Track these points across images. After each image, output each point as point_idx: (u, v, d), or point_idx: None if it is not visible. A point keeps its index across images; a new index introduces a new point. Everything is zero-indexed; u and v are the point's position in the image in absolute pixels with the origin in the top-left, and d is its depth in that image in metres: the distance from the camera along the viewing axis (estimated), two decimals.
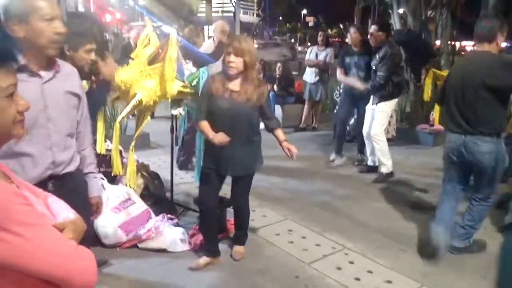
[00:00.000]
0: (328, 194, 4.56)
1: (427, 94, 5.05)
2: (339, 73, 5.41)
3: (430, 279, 2.92)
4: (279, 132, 2.96)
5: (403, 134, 7.03)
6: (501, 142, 3.00)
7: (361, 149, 5.60)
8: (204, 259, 3.03)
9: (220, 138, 2.71)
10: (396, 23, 8.68)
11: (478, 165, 3.03)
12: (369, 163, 5.37)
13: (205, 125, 2.82)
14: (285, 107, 8.03)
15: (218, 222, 3.24)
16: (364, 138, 5.25)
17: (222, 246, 3.23)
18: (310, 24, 41.47)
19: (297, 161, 5.55)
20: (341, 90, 6.97)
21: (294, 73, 9.30)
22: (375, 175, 5.07)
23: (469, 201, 3.25)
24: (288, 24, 49.12)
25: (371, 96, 5.06)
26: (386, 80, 4.78)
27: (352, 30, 5.33)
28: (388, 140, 6.74)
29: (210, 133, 2.77)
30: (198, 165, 3.45)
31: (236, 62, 2.70)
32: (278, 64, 8.46)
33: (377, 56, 4.82)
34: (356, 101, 5.37)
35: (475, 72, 2.96)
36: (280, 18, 45.53)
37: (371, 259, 3.20)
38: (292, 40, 39.48)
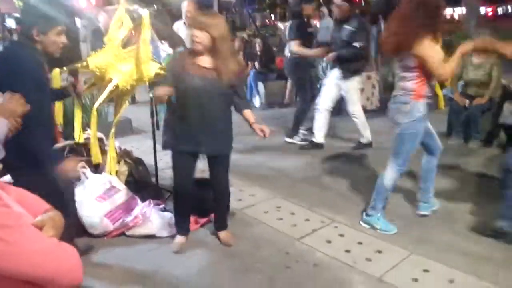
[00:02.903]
0: (314, 169, 4.57)
1: None
2: (295, 45, 5.24)
3: (420, 247, 2.95)
4: (249, 114, 2.86)
5: (387, 104, 7.01)
6: None
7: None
8: (180, 239, 3.02)
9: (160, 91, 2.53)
10: None
11: None
12: (316, 139, 5.25)
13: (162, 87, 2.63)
14: (267, 83, 7.97)
15: (200, 203, 3.20)
16: (318, 112, 5.15)
17: (211, 228, 3.22)
18: None
19: (282, 138, 5.60)
20: (324, 64, 6.90)
21: (274, 49, 9.18)
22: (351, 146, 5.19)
23: None
24: (267, 0, 48.44)
25: (334, 70, 5.02)
26: (360, 50, 4.74)
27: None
28: (372, 111, 6.80)
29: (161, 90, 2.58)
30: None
31: (200, 37, 2.57)
32: (258, 40, 8.35)
33: (349, 27, 4.75)
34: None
35: None
36: None
37: (360, 230, 3.22)
38: (272, 16, 38.99)
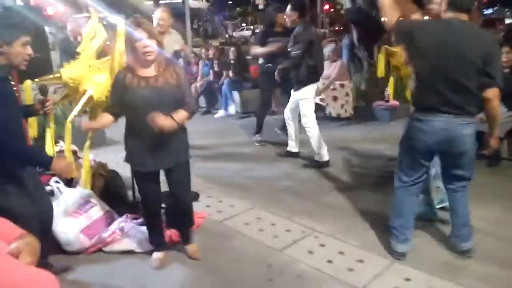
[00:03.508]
0: (291, 178, 4.56)
1: (381, 70, 5.09)
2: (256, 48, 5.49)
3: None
4: (181, 112, 2.61)
5: (360, 112, 7.14)
6: None
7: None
8: (158, 254, 2.94)
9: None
10: (346, 2, 8.73)
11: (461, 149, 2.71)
12: (289, 148, 5.26)
13: (104, 118, 2.66)
14: (243, 92, 7.96)
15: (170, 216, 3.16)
16: (285, 120, 5.22)
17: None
18: (260, 7, 41.24)
19: (257, 146, 5.60)
20: None
21: (247, 57, 9.19)
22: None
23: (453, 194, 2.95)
24: (238, 8, 48.70)
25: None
26: (299, 60, 4.69)
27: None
28: (346, 118, 6.90)
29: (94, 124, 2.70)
30: None
31: (152, 46, 2.51)
32: (232, 49, 8.33)
33: (292, 37, 4.78)
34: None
35: (472, 47, 2.53)
36: (230, 2, 45.05)
37: (341, 240, 3.22)
38: (244, 24, 39.18)
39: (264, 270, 2.85)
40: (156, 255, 2.95)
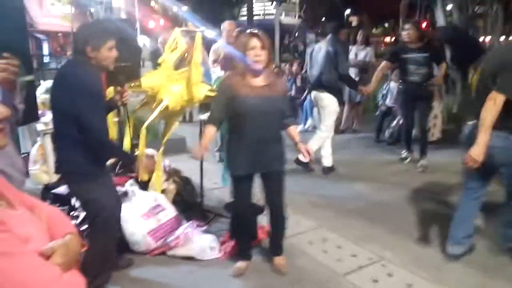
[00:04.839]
0: (365, 200, 4.35)
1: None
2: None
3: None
4: (295, 131, 2.82)
5: (449, 136, 6.64)
6: None
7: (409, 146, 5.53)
8: (241, 263, 2.96)
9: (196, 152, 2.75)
10: (440, 20, 8.27)
11: None
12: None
13: (208, 131, 2.73)
14: None
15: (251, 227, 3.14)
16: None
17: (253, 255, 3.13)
18: (354, 23, 40.64)
19: (335, 164, 5.44)
20: (384, 92, 6.72)
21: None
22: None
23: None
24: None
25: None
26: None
27: (406, 26, 5.06)
28: (434, 142, 6.45)
29: (203, 142, 2.73)
30: (225, 168, 3.33)
31: (263, 55, 2.59)
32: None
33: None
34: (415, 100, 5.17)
35: None
36: (323, 19, 44.97)
37: (411, 271, 2.98)
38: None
39: None
40: (240, 264, 2.97)
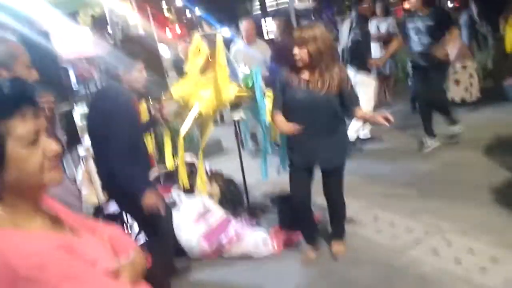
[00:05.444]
0: (412, 174, 4.23)
1: (510, 44, 4.51)
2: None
3: None
4: (361, 111, 2.74)
5: (489, 94, 6.39)
6: None
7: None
8: (309, 251, 3.02)
9: (289, 128, 2.67)
10: None
11: None
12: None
13: (278, 118, 2.74)
14: None
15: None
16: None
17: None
18: None
19: (374, 140, 5.34)
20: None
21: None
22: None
23: None
24: (346, 2, 47.57)
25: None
26: None
27: None
28: (472, 103, 6.22)
29: (284, 125, 2.70)
30: (282, 156, 3.29)
31: (300, 53, 2.60)
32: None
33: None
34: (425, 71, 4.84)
35: None
36: None
37: (471, 237, 2.90)
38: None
39: (383, 272, 2.71)
40: (308, 251, 3.03)
